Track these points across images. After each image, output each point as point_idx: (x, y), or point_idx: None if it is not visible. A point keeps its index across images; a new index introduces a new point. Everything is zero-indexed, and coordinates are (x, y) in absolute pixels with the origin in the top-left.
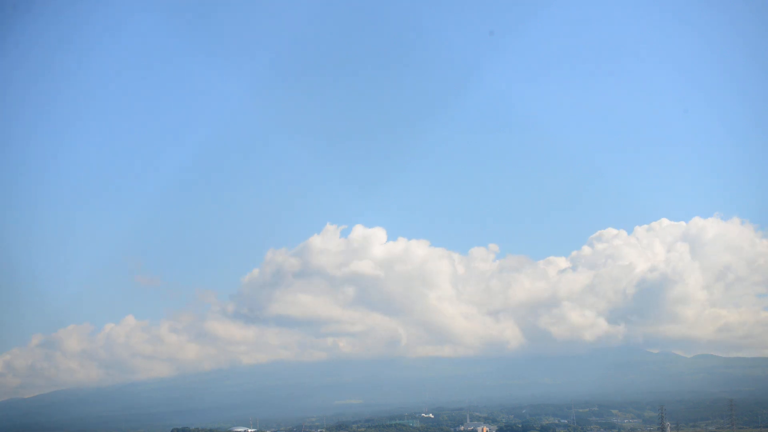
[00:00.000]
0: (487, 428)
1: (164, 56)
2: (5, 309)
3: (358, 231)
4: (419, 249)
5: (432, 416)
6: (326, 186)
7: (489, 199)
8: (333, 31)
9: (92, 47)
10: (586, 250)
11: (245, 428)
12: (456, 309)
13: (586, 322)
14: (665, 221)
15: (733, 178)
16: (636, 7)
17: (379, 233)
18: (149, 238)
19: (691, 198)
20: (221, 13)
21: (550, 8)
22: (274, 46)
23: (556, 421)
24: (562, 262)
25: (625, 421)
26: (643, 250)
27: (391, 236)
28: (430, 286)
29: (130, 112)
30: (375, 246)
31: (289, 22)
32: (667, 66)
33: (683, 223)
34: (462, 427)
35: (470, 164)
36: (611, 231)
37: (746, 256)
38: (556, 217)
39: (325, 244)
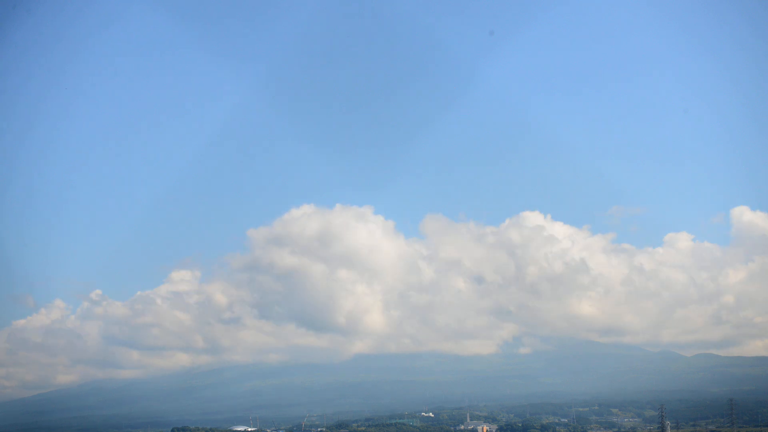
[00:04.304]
0: (488, 427)
1: (163, 56)
2: None
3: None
4: None
5: (432, 415)
6: (326, 187)
7: (488, 198)
8: (333, 32)
9: (93, 48)
10: None
11: (245, 427)
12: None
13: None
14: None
15: (734, 178)
16: (636, 7)
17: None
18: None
19: (691, 196)
20: (227, 13)
21: (551, 8)
22: (274, 45)
23: (557, 420)
24: None
25: (626, 420)
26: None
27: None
28: None
29: (128, 112)
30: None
31: (289, 22)
32: (668, 66)
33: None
34: (462, 426)
35: (469, 164)
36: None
37: None
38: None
39: None
